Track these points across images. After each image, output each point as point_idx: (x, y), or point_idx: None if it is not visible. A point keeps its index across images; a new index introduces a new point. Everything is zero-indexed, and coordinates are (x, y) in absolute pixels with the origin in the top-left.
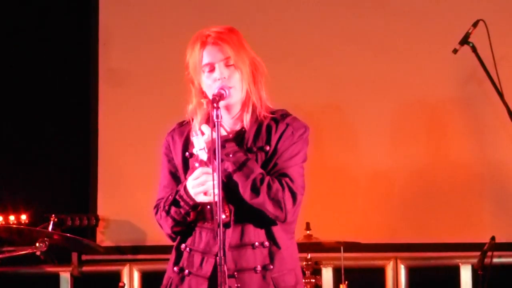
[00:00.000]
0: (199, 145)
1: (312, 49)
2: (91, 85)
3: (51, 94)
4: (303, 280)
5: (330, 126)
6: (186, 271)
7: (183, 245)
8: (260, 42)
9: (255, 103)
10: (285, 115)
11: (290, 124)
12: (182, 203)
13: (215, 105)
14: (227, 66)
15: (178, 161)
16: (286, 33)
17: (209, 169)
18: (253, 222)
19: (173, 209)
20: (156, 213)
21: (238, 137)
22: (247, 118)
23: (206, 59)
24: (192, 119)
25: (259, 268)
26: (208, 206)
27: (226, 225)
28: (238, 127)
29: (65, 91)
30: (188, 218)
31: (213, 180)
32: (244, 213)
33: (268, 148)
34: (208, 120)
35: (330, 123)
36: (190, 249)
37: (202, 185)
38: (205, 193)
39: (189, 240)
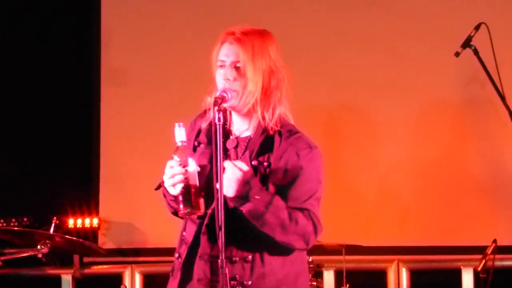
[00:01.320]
0: (181, 137)
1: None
2: (93, 86)
3: (53, 95)
4: None
5: (332, 129)
6: (180, 258)
7: (184, 233)
8: None
9: (263, 113)
10: (291, 131)
11: (293, 144)
12: (165, 191)
13: (215, 108)
14: (235, 69)
15: (191, 145)
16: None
17: (174, 162)
18: (238, 236)
19: (166, 195)
20: None
21: (246, 148)
22: (253, 125)
23: (220, 56)
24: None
25: (233, 282)
26: (180, 198)
27: (201, 217)
28: (245, 131)
29: (67, 91)
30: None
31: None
32: (230, 227)
33: (266, 164)
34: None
35: (331, 126)
36: (184, 237)
37: (170, 178)
38: (173, 185)
39: (186, 228)
